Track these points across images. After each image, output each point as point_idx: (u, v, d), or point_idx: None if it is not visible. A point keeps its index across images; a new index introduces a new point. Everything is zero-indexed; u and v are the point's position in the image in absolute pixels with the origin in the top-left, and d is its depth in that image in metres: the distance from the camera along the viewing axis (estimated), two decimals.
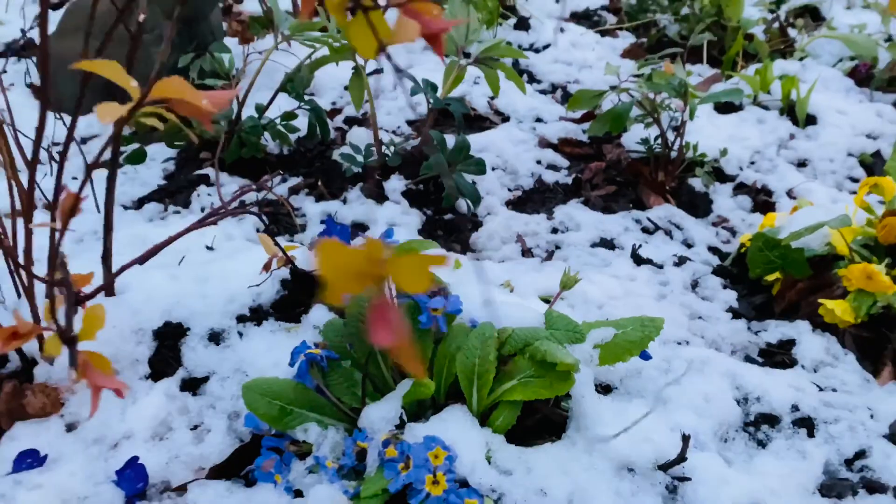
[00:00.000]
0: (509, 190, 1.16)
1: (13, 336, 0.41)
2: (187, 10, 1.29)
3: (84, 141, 1.30)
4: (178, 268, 0.80)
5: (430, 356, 0.63)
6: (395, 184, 1.09)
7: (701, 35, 1.62)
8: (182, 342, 0.72)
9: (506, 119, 1.37)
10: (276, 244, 0.73)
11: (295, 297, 0.77)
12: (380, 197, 1.07)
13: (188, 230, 0.75)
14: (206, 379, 0.69)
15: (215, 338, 0.72)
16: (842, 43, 1.48)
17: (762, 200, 1.12)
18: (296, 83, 1.30)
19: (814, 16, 1.73)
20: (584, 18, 1.99)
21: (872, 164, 1.20)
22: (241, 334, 0.73)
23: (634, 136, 1.24)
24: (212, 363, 0.70)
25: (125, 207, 1.07)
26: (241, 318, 0.75)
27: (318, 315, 0.74)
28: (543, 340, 0.60)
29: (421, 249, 0.69)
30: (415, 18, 0.38)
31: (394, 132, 1.31)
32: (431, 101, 1.18)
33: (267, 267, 0.72)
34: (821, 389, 0.74)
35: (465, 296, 0.68)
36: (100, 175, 1.14)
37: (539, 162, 1.22)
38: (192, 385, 0.70)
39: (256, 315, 0.76)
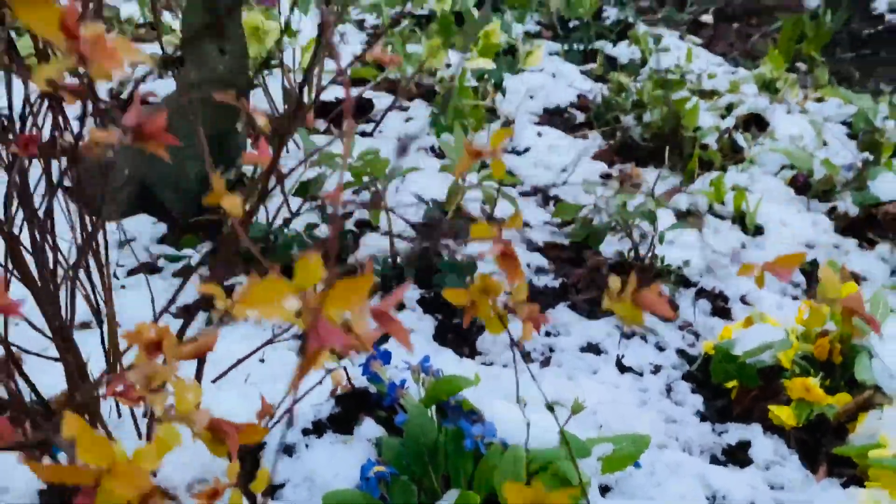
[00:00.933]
0: (506, 293, 1.33)
1: (213, 494, 0.56)
2: (215, 126, 1.45)
3: (120, 245, 1.44)
4: (246, 386, 0.96)
5: (471, 472, 0.80)
6: (411, 292, 1.26)
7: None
8: (260, 455, 0.87)
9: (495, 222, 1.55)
10: (346, 372, 0.89)
11: (347, 411, 0.93)
12: (398, 305, 1.24)
13: (260, 348, 0.90)
14: (282, 486, 0.85)
15: (288, 450, 0.88)
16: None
17: (720, 306, 1.32)
18: (311, 188, 1.48)
19: (760, 122, 1.97)
20: (556, 115, 2.21)
21: (810, 272, 1.42)
22: (307, 446, 0.89)
23: (611, 241, 1.44)
24: (286, 472, 0.86)
25: (172, 315, 1.22)
26: (305, 432, 0.90)
27: (368, 428, 0.90)
28: (562, 461, 0.78)
29: (457, 382, 0.86)
30: None
31: (399, 235, 1.48)
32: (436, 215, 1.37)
33: (333, 393, 0.88)
34: (772, 487, 0.93)
35: (492, 413, 0.85)
36: (132, 281, 1.30)
37: (528, 265, 1.41)
38: (271, 490, 0.85)
39: (317, 429, 0.91)
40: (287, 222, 1.36)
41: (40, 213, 0.91)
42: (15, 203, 0.88)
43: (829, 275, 0.53)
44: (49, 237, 0.94)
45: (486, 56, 1.73)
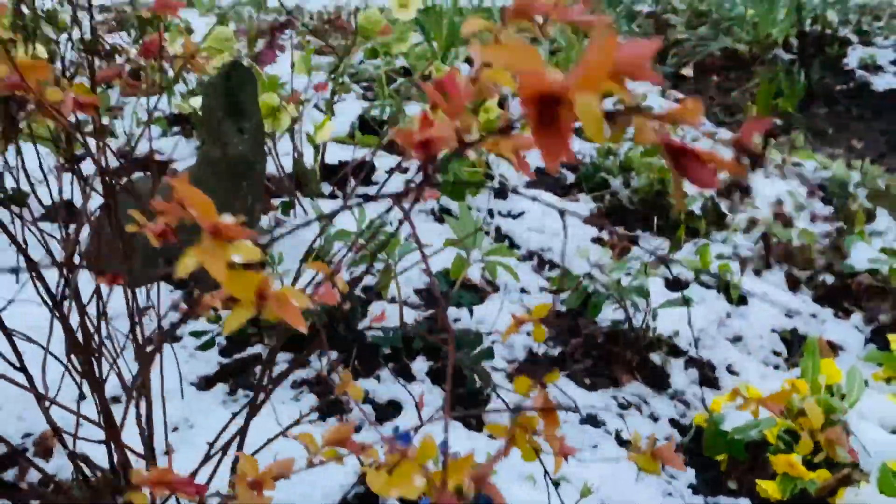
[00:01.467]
0: (508, 362, 1.42)
1: None
2: (233, 199, 1.52)
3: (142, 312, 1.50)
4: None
5: None
6: (419, 364, 1.34)
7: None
8: None
9: (496, 289, 1.64)
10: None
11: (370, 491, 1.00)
12: (408, 377, 1.32)
13: (288, 428, 0.98)
14: None
15: None
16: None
17: (707, 375, 1.41)
18: (321, 256, 1.56)
19: (743, 187, 2.08)
20: (547, 174, 2.31)
21: (791, 341, 1.51)
22: None
23: (605, 311, 1.53)
24: None
25: (194, 385, 1.29)
26: None
27: None
28: None
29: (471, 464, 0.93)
30: None
31: (405, 301, 1.56)
32: (443, 288, 1.45)
33: (361, 480, 0.95)
34: None
35: (510, 496, 0.93)
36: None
37: (528, 334, 1.49)
38: None
39: None
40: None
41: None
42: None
43: (814, 411, 0.62)
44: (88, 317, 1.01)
45: (488, 114, 1.83)
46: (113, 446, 0.96)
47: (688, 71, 3.79)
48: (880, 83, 3.40)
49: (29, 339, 0.97)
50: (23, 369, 0.91)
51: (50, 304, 0.89)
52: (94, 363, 0.96)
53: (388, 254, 1.40)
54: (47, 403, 0.94)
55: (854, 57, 3.69)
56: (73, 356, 1.05)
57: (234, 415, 0.83)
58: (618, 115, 0.34)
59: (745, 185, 2.10)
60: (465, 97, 0.44)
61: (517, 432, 0.62)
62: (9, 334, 0.89)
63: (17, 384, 0.85)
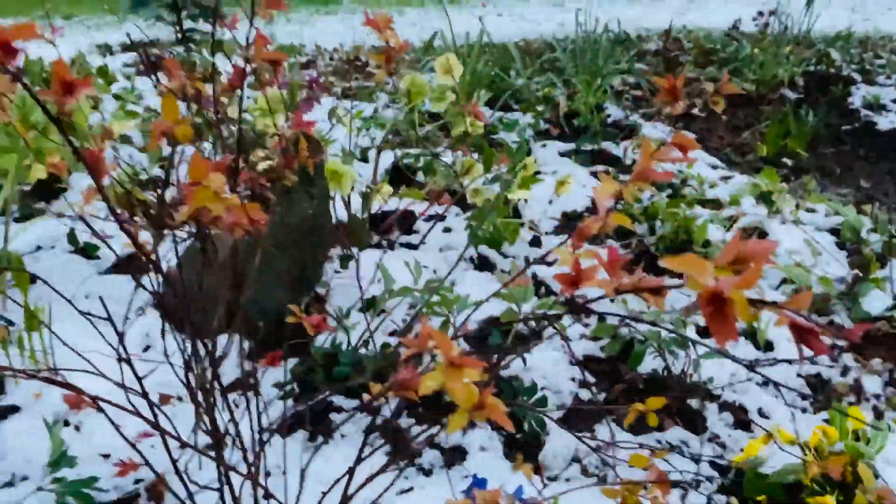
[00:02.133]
0: (557, 408, 1.54)
1: None
2: (300, 257, 1.65)
3: (210, 359, 1.62)
4: None
5: None
6: None
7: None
8: None
9: (540, 337, 1.77)
10: None
11: None
12: (470, 424, 1.44)
13: (354, 466, 1.10)
14: None
15: None
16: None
17: (741, 418, 1.53)
18: (378, 304, 1.69)
19: (761, 234, 2.21)
20: (574, 219, 2.44)
21: (816, 385, 1.64)
22: None
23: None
24: None
25: (278, 433, 1.40)
26: None
27: None
28: None
29: None
30: None
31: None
32: (496, 340, 1.58)
33: None
34: None
35: None
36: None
37: (573, 379, 1.62)
38: None
39: None
40: (366, 343, 1.56)
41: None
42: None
43: (866, 474, 0.74)
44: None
45: (525, 188, 1.96)
46: (227, 492, 1.08)
47: (696, 110, 3.93)
48: (884, 123, 3.55)
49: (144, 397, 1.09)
50: (157, 427, 1.03)
51: (185, 367, 1.01)
52: (214, 420, 1.08)
53: (447, 308, 1.53)
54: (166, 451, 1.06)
55: (858, 96, 3.84)
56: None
57: (350, 471, 0.94)
58: (756, 302, 0.47)
59: (763, 232, 2.24)
60: None
61: (627, 495, 0.74)
62: (145, 394, 1.02)
63: (149, 421, 0.98)
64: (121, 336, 0.96)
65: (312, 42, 6.45)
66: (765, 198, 2.37)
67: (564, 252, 0.60)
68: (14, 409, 1.42)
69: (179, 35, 6.02)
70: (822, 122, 3.47)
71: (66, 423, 1.37)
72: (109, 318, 0.97)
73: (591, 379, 1.63)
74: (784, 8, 4.40)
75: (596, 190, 0.62)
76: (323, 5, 9.52)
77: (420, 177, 2.60)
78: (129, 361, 0.97)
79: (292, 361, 1.62)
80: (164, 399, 1.24)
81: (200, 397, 1.02)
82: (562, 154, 3.01)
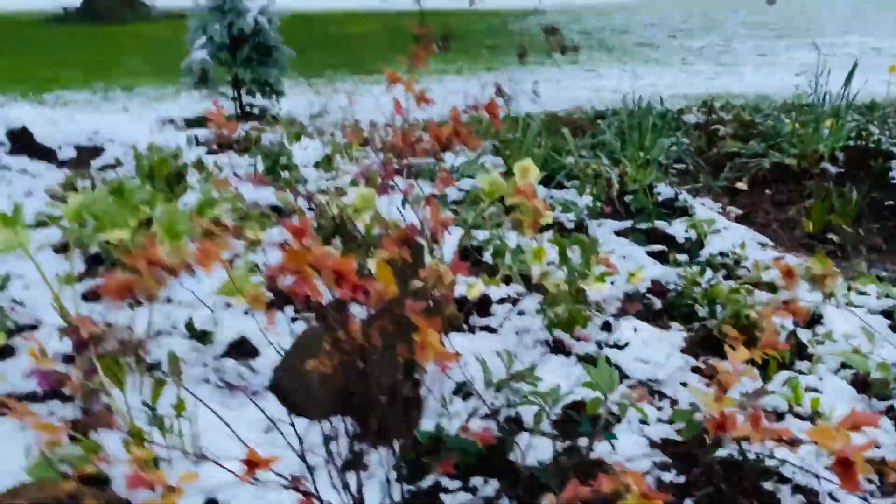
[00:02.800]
0: None
1: None
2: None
3: (328, 440, 1.80)
4: None
5: None
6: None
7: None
8: None
9: (618, 419, 1.92)
10: None
11: None
12: None
13: None
14: None
15: None
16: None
17: (812, 501, 1.66)
18: (464, 388, 1.85)
19: (817, 317, 2.36)
20: (635, 299, 2.60)
21: (881, 470, 1.76)
22: None
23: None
24: None
25: None
26: None
27: None
28: None
29: None
30: None
31: (542, 432, 1.84)
32: (586, 428, 1.74)
33: None
34: None
35: None
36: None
37: (655, 463, 1.76)
38: None
39: None
40: (465, 430, 1.73)
41: None
42: None
43: None
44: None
45: (601, 281, 2.14)
46: None
47: (742, 185, 4.10)
48: None
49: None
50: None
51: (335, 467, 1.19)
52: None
53: (543, 398, 1.69)
54: None
55: None
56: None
57: None
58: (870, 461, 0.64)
59: (819, 316, 2.38)
60: None
61: None
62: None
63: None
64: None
65: (362, 114, 6.76)
66: (818, 281, 2.51)
67: (709, 400, 0.77)
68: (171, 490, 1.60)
69: (239, 110, 6.37)
70: (865, 198, 3.61)
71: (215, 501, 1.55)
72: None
73: (667, 460, 1.77)
74: (822, 80, 4.58)
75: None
76: (367, 75, 9.90)
77: (486, 256, 2.78)
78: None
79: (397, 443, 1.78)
80: (296, 481, 1.42)
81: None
82: (617, 233, 3.19)
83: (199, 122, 6.06)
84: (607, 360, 2.16)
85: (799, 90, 6.30)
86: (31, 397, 1.93)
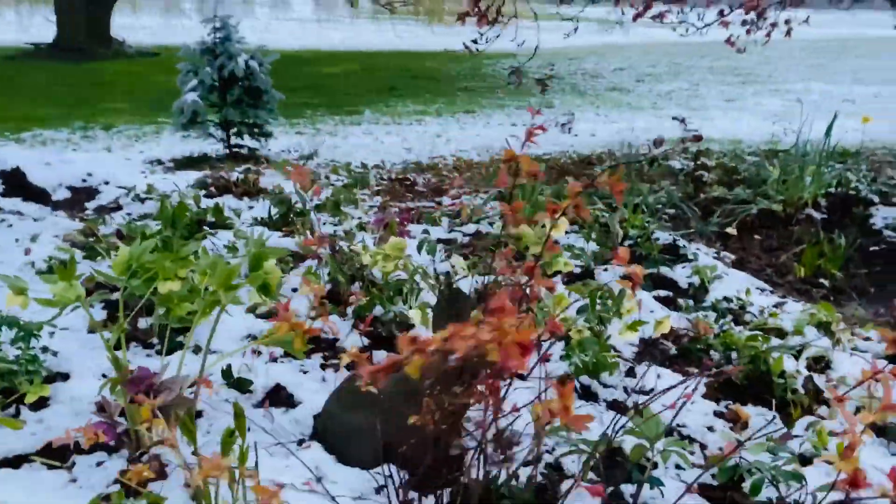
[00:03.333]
0: None
1: None
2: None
3: (377, 491, 1.83)
4: None
5: None
6: None
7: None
8: None
9: (654, 465, 1.98)
10: None
11: None
12: None
13: None
14: None
15: None
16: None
17: None
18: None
19: (828, 364, 2.46)
20: (652, 346, 2.69)
21: None
22: None
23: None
24: None
25: None
26: None
27: None
28: None
29: None
30: None
31: (585, 478, 1.90)
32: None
33: None
34: None
35: None
36: None
37: None
38: None
39: None
40: (514, 476, 1.78)
41: None
42: None
43: None
44: None
45: (633, 330, 2.22)
46: None
47: (731, 230, 4.25)
48: None
49: None
50: None
51: None
52: None
53: (589, 445, 1.75)
54: None
55: (879, 218, 4.16)
56: None
57: None
58: None
59: (829, 361, 2.49)
60: None
61: None
62: None
63: None
64: None
65: (348, 156, 6.83)
66: (824, 327, 2.63)
67: (847, 467, 0.84)
68: None
69: (227, 150, 6.40)
70: (851, 244, 3.77)
71: None
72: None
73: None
74: (803, 128, 4.77)
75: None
76: (347, 115, 10.00)
77: None
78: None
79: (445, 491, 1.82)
80: None
81: None
82: (623, 278, 3.27)
83: (188, 163, 6.08)
84: (635, 404, 2.23)
85: (774, 137, 6.55)
86: (74, 448, 1.93)
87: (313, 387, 2.23)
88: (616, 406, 2.22)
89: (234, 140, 6.42)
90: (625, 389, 2.30)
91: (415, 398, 1.91)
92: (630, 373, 2.39)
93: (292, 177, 1.97)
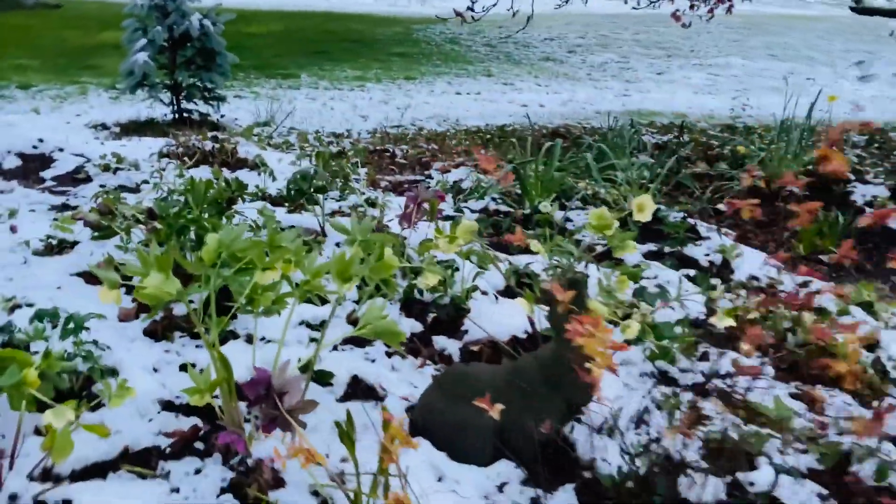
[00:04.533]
0: None
1: None
2: (567, 393, 1.79)
3: (500, 488, 1.73)
4: None
5: None
6: None
7: None
8: None
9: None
10: None
11: None
12: None
13: None
14: None
15: None
16: None
17: None
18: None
19: (877, 343, 2.51)
20: (698, 326, 2.68)
21: None
22: None
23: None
24: None
25: None
26: None
27: None
28: None
29: None
30: None
31: None
32: None
33: None
34: None
35: None
36: None
37: (820, 496, 1.82)
38: None
39: None
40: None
41: None
42: None
43: None
44: None
45: (730, 316, 2.19)
46: None
47: (723, 206, 4.31)
48: (892, 221, 4.01)
49: None
50: None
51: None
52: None
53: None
54: None
55: (858, 195, 4.31)
56: None
57: None
58: None
59: (877, 339, 2.54)
60: None
61: None
62: None
63: None
64: None
65: (304, 123, 6.55)
66: (866, 306, 2.69)
67: None
68: None
69: (176, 115, 6.02)
70: (848, 222, 3.89)
71: None
72: None
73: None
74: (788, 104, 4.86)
75: None
76: (283, 79, 9.63)
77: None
78: None
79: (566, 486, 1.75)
80: None
81: None
82: (645, 256, 3.26)
83: (136, 128, 5.68)
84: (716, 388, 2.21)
85: (733, 112, 6.71)
86: (156, 453, 1.74)
87: (390, 377, 2.10)
88: (700, 391, 2.19)
89: (183, 104, 6.04)
90: (702, 374, 2.28)
91: (524, 391, 1.82)
92: (704, 357, 2.37)
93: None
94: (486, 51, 12.83)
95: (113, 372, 2.03)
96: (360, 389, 2.04)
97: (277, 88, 9.08)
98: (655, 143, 5.36)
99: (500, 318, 2.43)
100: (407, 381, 2.09)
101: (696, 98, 9.52)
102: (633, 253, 2.51)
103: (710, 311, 2.70)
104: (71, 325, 1.90)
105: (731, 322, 2.15)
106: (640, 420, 1.96)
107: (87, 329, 1.97)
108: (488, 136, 5.61)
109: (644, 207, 2.19)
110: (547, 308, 2.09)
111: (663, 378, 2.26)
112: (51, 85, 8.26)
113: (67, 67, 9.56)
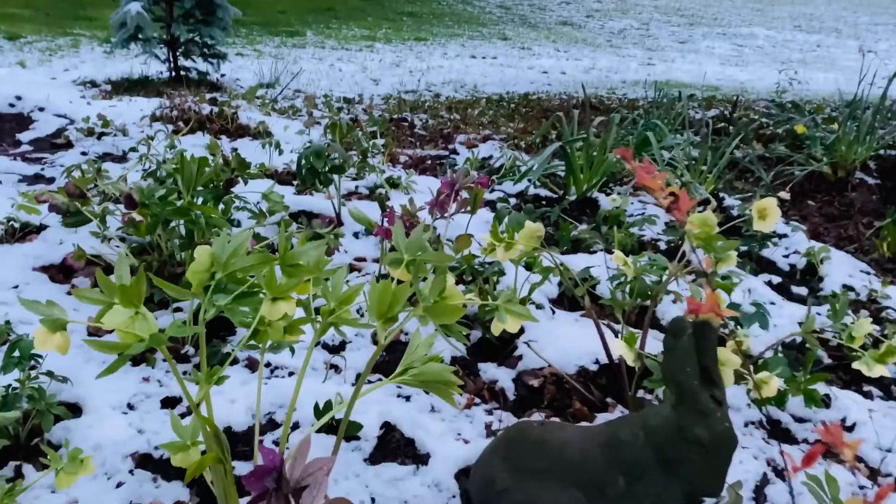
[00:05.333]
0: None
1: None
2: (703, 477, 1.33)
3: None
4: None
5: None
6: None
7: None
8: None
9: None
10: None
11: None
12: None
13: None
14: None
15: None
16: None
17: None
18: None
19: None
20: (789, 347, 2.22)
21: None
22: None
23: None
24: None
25: None
26: None
27: None
28: None
29: None
30: None
31: None
32: None
33: None
34: None
35: None
36: None
37: None
38: None
39: None
40: None
41: None
42: None
43: None
44: None
45: (883, 362, 1.72)
46: None
47: (785, 194, 3.82)
48: None
49: None
50: None
51: None
52: None
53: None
54: None
55: None
56: None
57: None
58: None
59: None
60: None
61: None
62: None
63: None
64: None
65: (312, 85, 6.03)
66: None
67: None
68: None
69: (173, 73, 5.50)
70: None
71: None
72: None
73: None
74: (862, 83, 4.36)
75: None
76: (288, 37, 9.07)
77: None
78: None
79: None
80: None
81: None
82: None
83: (129, 86, 5.16)
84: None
85: (779, 86, 6.19)
86: None
87: (431, 425, 1.63)
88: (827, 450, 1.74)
89: (181, 62, 5.50)
90: (823, 423, 1.82)
91: (628, 473, 1.34)
92: (825, 399, 1.91)
93: None
94: (500, 13, 12.23)
95: (74, 410, 1.57)
96: (393, 443, 1.58)
97: (282, 47, 8.52)
98: (700, 119, 4.85)
99: (560, 342, 1.97)
100: (452, 430, 1.63)
101: (724, 70, 8.98)
102: (732, 265, 2.03)
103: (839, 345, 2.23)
104: (15, 355, 1.43)
105: (883, 370, 1.65)
106: (758, 491, 1.51)
107: (40, 358, 1.49)
108: (513, 105, 5.10)
109: (767, 214, 1.72)
110: (618, 327, 1.63)
111: (774, 429, 1.80)
112: (41, 36, 7.71)
113: (61, 18, 9.00)
